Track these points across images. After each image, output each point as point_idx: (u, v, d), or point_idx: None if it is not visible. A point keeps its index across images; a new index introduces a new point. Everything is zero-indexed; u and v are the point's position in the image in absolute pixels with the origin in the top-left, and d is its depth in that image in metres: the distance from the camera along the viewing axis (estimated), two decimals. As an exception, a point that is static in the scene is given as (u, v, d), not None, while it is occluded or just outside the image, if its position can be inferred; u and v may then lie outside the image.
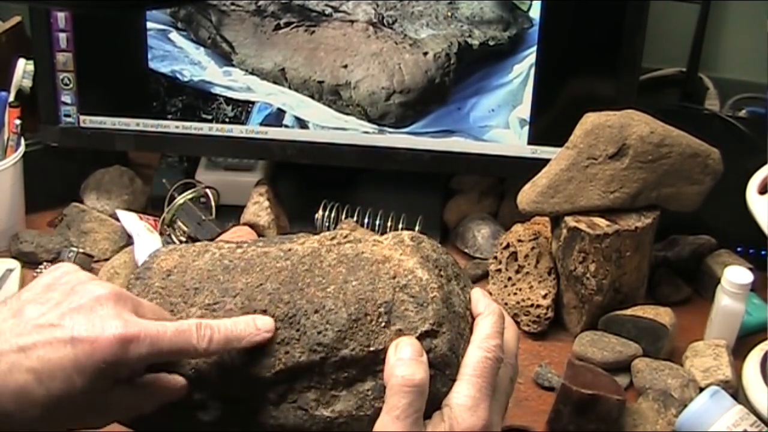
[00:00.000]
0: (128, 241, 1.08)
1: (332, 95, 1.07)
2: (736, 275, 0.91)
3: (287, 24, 1.06)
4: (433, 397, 0.60)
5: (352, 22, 1.04)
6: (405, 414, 0.58)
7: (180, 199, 1.09)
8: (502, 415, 0.64)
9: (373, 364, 0.61)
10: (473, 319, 0.65)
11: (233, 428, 0.65)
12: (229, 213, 1.13)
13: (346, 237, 0.68)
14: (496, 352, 0.62)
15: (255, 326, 0.62)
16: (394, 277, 0.63)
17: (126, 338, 0.57)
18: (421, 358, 0.60)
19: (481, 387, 0.61)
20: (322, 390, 0.62)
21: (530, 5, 1.02)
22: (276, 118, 1.09)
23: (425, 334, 0.61)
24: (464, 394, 0.61)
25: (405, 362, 0.59)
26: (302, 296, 0.63)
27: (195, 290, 0.66)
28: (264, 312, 0.63)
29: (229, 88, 1.09)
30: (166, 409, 0.64)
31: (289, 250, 0.67)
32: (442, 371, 0.61)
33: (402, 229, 1.07)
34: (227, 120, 1.10)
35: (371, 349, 0.61)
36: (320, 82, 1.07)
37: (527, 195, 0.96)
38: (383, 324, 0.61)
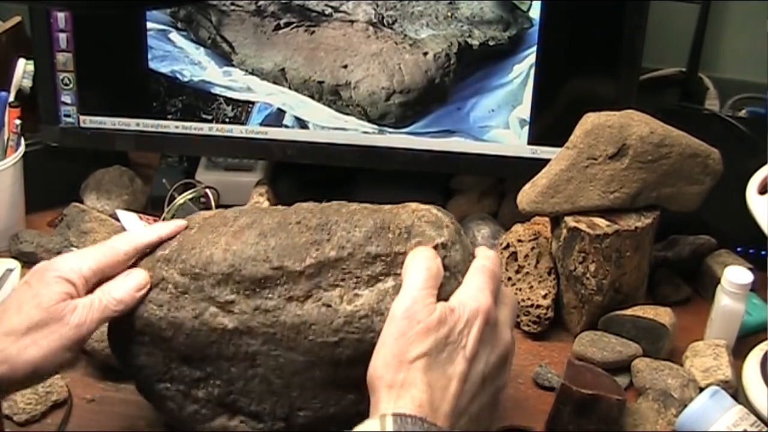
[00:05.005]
0: (128, 241, 1.08)
1: (332, 95, 1.07)
2: (736, 275, 0.91)
3: (287, 24, 1.06)
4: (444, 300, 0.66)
5: (352, 22, 1.04)
6: (423, 285, 0.64)
7: (180, 199, 1.09)
8: (510, 328, 0.68)
9: (394, 265, 0.70)
10: None
11: (257, 328, 0.71)
12: (229, 213, 1.13)
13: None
14: (495, 262, 0.68)
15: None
16: (414, 211, 0.73)
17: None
18: (437, 259, 0.68)
19: (485, 279, 0.67)
20: (346, 288, 0.70)
21: (530, 5, 1.02)
22: (276, 118, 1.09)
23: (441, 246, 0.70)
24: (469, 283, 0.67)
25: (421, 252, 0.68)
26: (332, 214, 0.73)
27: (234, 218, 0.75)
28: (298, 224, 0.72)
29: (229, 88, 1.09)
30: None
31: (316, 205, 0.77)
32: (454, 275, 0.69)
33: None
34: (227, 120, 1.10)
35: (395, 250, 0.70)
36: (320, 82, 1.07)
37: (527, 195, 0.96)
38: (404, 237, 0.70)
